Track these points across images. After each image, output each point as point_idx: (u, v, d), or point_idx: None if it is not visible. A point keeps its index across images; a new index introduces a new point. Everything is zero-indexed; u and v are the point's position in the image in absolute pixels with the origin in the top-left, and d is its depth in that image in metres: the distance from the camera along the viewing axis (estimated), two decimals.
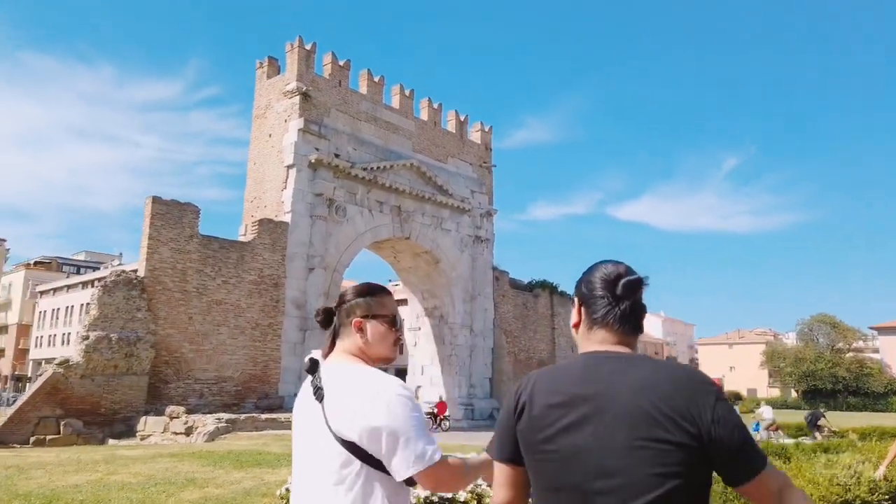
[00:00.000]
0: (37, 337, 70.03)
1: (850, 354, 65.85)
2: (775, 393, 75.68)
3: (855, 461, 6.60)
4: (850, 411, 56.52)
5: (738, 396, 60.07)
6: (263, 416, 18.92)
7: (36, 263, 77.16)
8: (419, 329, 32.81)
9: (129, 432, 18.93)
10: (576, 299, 1.75)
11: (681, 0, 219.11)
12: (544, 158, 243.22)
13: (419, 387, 31.82)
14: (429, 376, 31.75)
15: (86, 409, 18.77)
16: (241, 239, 24.19)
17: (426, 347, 32.24)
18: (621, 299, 1.64)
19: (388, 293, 2.06)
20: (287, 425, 19.08)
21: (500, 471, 1.67)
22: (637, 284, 1.64)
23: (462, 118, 33.61)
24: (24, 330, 72.84)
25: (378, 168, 27.97)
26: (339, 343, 1.97)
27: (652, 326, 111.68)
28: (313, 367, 1.93)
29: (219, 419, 17.67)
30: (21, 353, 72.69)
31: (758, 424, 22.40)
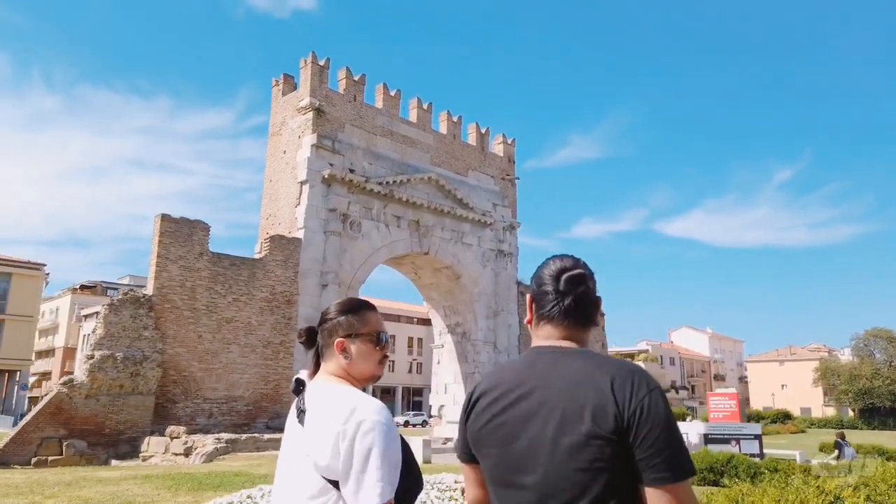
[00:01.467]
0: (79, 359, 71.75)
1: None
2: (830, 412, 71.82)
3: (842, 485, 5.57)
4: None
5: (787, 416, 56.93)
6: (266, 437, 18.37)
7: (82, 287, 79.23)
8: (442, 346, 32.02)
9: (134, 453, 18.63)
10: (528, 296, 1.73)
11: (728, 7, 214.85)
12: (589, 176, 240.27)
13: (442, 406, 30.96)
14: (452, 395, 30.84)
15: (90, 429, 18.54)
16: (254, 256, 23.88)
17: (449, 365, 31.39)
18: (565, 294, 1.61)
19: (372, 309, 1.99)
20: None
21: (464, 470, 1.70)
22: (579, 279, 1.61)
23: (483, 130, 32.98)
24: (69, 353, 74.70)
25: (394, 182, 27.49)
26: (323, 364, 1.92)
27: (699, 344, 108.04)
28: (298, 387, 1.89)
29: (218, 439, 17.19)
30: (67, 376, 74.41)
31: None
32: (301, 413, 1.81)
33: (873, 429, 56.82)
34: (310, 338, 1.96)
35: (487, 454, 1.56)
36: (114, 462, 17.99)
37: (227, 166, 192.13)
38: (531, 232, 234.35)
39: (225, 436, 17.76)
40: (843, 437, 17.95)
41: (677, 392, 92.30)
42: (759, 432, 16.20)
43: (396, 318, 67.60)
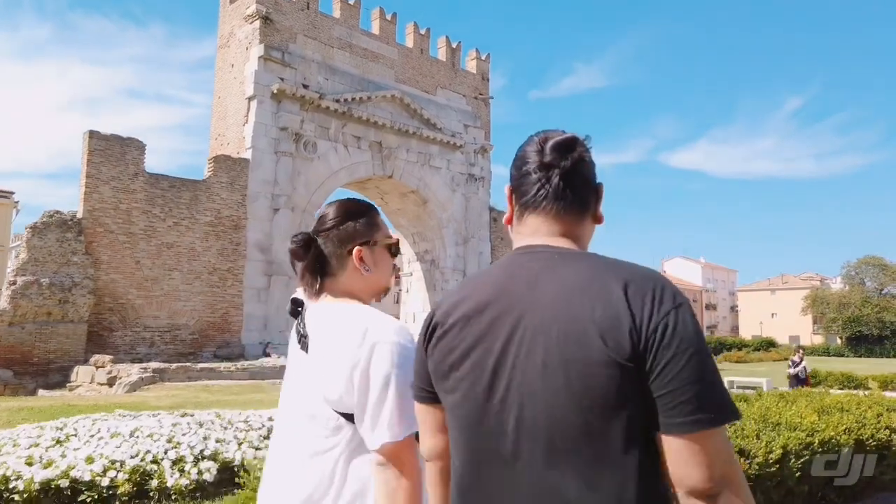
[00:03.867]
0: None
1: None
2: (819, 340, 71.84)
3: None
4: None
5: (771, 343, 56.67)
6: (199, 366, 17.41)
7: None
8: (411, 275, 30.94)
9: (66, 383, 17.72)
10: (507, 188, 1.27)
11: None
12: (594, 105, 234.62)
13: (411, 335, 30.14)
14: (420, 324, 29.96)
15: (16, 358, 17.58)
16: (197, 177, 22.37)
17: (417, 294, 30.39)
18: (551, 166, 1.17)
19: (378, 211, 1.70)
20: (225, 375, 17.59)
21: (421, 413, 1.29)
22: (570, 144, 1.18)
23: (454, 45, 30.76)
24: None
25: (353, 100, 25.64)
26: (329, 279, 1.60)
27: (692, 273, 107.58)
28: (297, 309, 1.62)
29: (144, 368, 16.22)
30: None
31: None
32: (303, 338, 1.56)
33: (860, 356, 56.73)
34: (307, 246, 1.59)
35: (453, 392, 1.16)
36: (41, 392, 17.10)
37: None
38: None
39: (153, 365, 16.80)
40: (799, 355, 17.26)
41: None
42: None
43: None
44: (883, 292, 63.61)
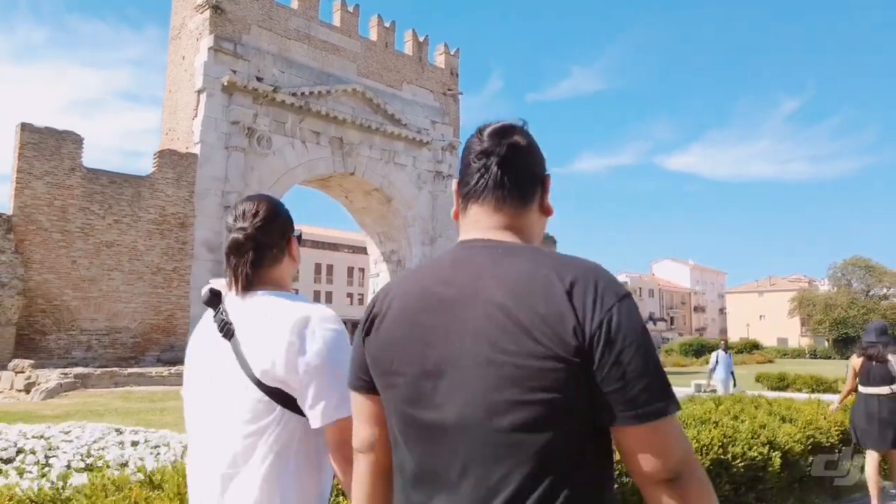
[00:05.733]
0: None
1: (887, 300, 60.88)
2: (807, 342, 71.14)
3: None
4: None
5: (755, 346, 55.84)
6: (126, 371, 16.42)
7: None
8: (378, 276, 30.02)
9: None
10: (454, 182, 1.27)
11: None
12: (591, 108, 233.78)
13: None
14: None
15: None
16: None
17: None
18: (489, 154, 1.17)
19: None
20: (157, 380, 16.63)
21: (356, 402, 1.27)
22: (505, 129, 1.18)
23: (421, 39, 29.86)
24: None
25: (312, 93, 24.71)
26: (262, 271, 1.59)
27: (681, 275, 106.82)
28: (214, 299, 1.60)
29: (65, 374, 15.24)
30: None
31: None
32: (226, 325, 1.53)
33: (846, 358, 56.02)
34: (252, 239, 1.59)
35: (392, 382, 1.14)
36: None
37: None
38: None
39: (75, 370, 15.81)
40: (725, 347, 16.41)
41: (655, 324, 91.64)
42: None
43: (334, 247, 64.78)
44: (870, 294, 63.04)
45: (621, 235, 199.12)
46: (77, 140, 19.65)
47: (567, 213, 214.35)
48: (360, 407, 1.26)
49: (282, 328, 1.47)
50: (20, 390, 15.28)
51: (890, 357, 6.15)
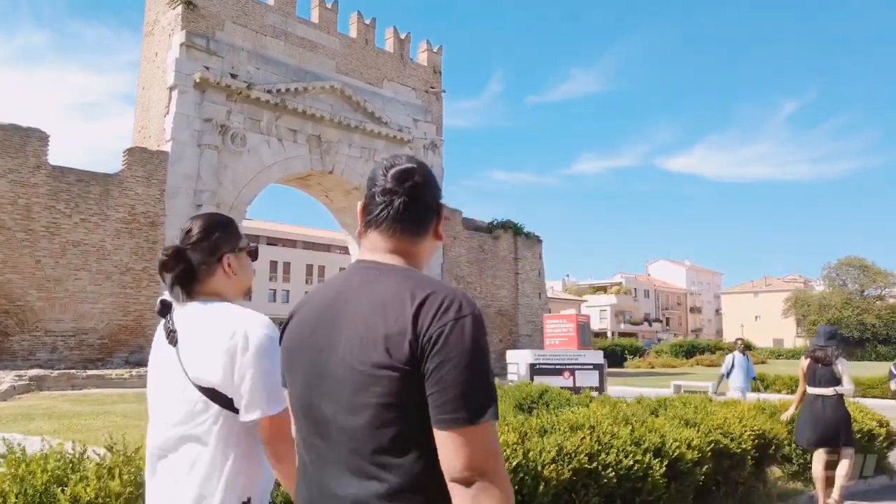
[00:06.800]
0: None
1: (882, 301, 60.46)
2: (802, 343, 70.69)
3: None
4: (881, 361, 51.67)
5: (747, 347, 55.33)
6: (85, 374, 16.04)
7: None
8: None
9: None
10: (359, 204, 1.46)
11: None
12: (591, 110, 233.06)
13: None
14: None
15: None
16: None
17: None
18: (393, 193, 1.35)
19: (235, 223, 1.97)
20: (117, 382, 16.24)
21: (288, 398, 1.50)
22: (408, 172, 1.37)
23: (403, 36, 29.49)
24: None
25: (288, 91, 24.33)
26: (198, 284, 1.80)
27: (676, 276, 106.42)
28: (165, 309, 1.79)
29: (19, 376, 14.85)
30: None
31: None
32: (171, 333, 1.73)
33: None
34: (178, 258, 1.80)
35: (292, 380, 1.38)
36: None
37: None
38: (532, 168, 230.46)
39: (30, 372, 15.42)
40: (742, 349, 14.45)
41: (650, 324, 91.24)
42: (601, 361, 13.78)
43: (293, 244, 64.02)
44: (864, 294, 62.62)
45: (618, 237, 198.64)
46: (43, 137, 19.27)
47: (565, 215, 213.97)
48: (289, 402, 1.46)
49: (215, 335, 1.65)
50: None
51: (837, 361, 5.98)
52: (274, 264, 61.20)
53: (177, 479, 1.65)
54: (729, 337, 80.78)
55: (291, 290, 59.94)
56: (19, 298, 18.54)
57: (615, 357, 41.77)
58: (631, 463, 3.34)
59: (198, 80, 22.00)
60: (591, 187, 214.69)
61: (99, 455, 4.74)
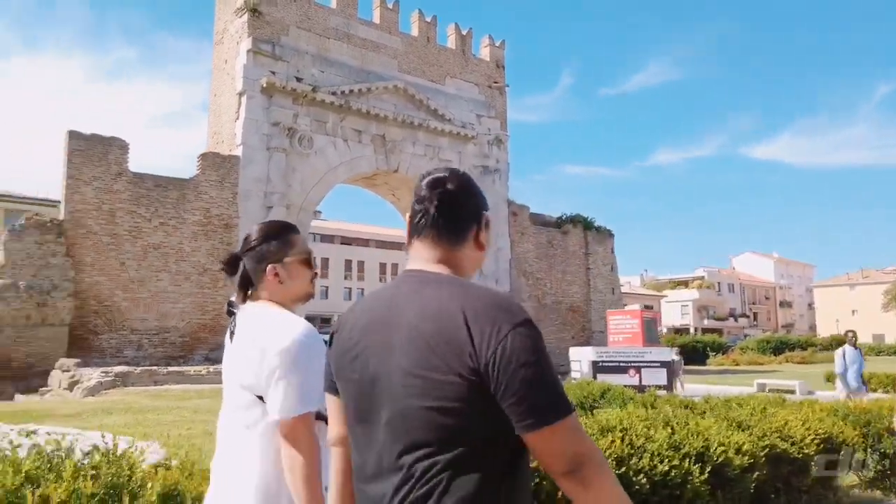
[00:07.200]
0: None
1: None
2: None
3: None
4: None
5: (840, 342, 51.85)
6: (166, 370, 16.77)
7: None
8: None
9: (44, 387, 17.46)
10: (407, 215, 1.51)
11: None
12: (666, 101, 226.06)
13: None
14: None
15: None
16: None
17: None
18: (427, 200, 1.42)
19: (296, 230, 2.03)
20: (195, 378, 16.92)
21: (329, 403, 1.53)
22: (439, 180, 1.43)
23: (464, 32, 29.35)
24: None
25: (352, 92, 24.67)
26: (253, 289, 1.95)
27: (764, 269, 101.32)
28: (231, 310, 1.95)
29: (105, 373, 15.69)
30: None
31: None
32: (232, 334, 1.89)
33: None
34: (233, 264, 1.96)
35: (346, 386, 1.41)
36: (17, 397, 16.91)
37: None
38: (606, 161, 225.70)
39: (116, 369, 16.27)
40: (854, 342, 11.53)
41: (736, 320, 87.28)
42: (669, 359, 13.01)
43: (365, 243, 64.39)
44: None
45: (698, 230, 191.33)
46: (123, 146, 20.32)
47: (642, 209, 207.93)
48: (330, 407, 1.50)
49: (254, 337, 1.78)
50: (66, 388, 15.86)
51: None
52: (349, 263, 62.44)
53: (230, 464, 1.80)
54: (823, 332, 76.17)
55: (366, 288, 60.97)
56: (107, 299, 19.62)
57: (696, 354, 40.13)
58: (667, 468, 3.05)
59: (265, 85, 22.61)
60: (670, 179, 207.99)
61: (138, 449, 4.80)
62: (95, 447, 2.45)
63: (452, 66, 28.63)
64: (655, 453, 3.13)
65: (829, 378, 20.53)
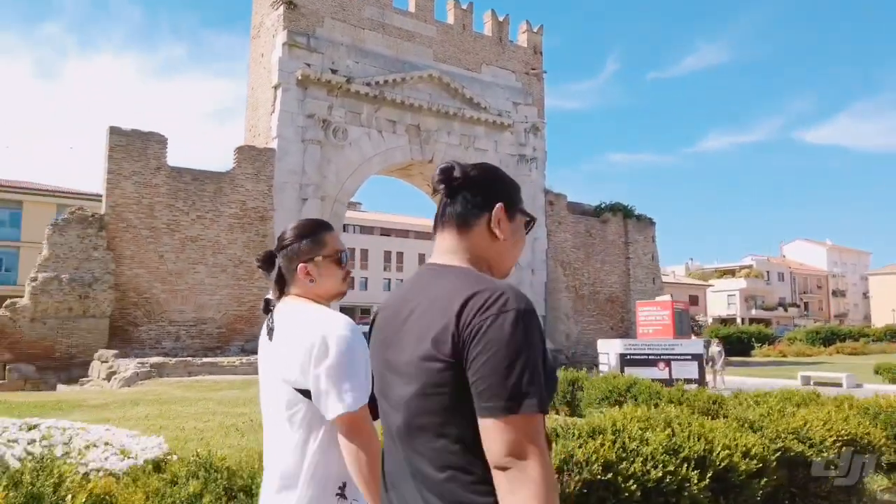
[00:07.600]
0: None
1: None
2: None
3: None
4: None
5: (893, 333, 49.61)
6: (200, 361, 17.03)
7: None
8: None
9: (85, 377, 17.99)
10: None
11: None
12: (717, 84, 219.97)
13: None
14: None
15: (38, 353, 18.04)
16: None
17: None
18: (437, 192, 1.48)
19: (329, 228, 2.04)
20: (228, 370, 17.14)
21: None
22: (444, 171, 1.46)
23: (501, 18, 28.87)
24: None
25: (386, 82, 24.56)
26: (288, 286, 1.97)
27: (816, 257, 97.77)
28: (268, 307, 1.98)
29: (142, 363, 16.02)
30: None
31: None
32: (270, 331, 1.90)
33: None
34: (269, 262, 2.00)
35: (375, 374, 1.53)
36: (59, 387, 17.45)
37: None
38: (652, 148, 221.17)
39: (151, 360, 16.59)
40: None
41: (786, 310, 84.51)
42: (700, 351, 12.43)
43: (405, 234, 64.18)
44: None
45: (747, 217, 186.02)
46: (161, 140, 20.67)
47: (688, 196, 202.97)
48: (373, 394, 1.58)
49: (296, 334, 1.78)
50: (104, 379, 16.27)
51: None
52: (388, 254, 62.68)
53: (271, 458, 1.84)
54: (878, 322, 73.14)
55: (405, 279, 61.10)
56: (146, 291, 20.05)
57: (741, 345, 38.95)
58: (660, 474, 2.79)
59: (300, 78, 22.69)
60: (718, 165, 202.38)
61: (139, 444, 4.75)
62: (30, 454, 2.34)
63: (488, 53, 28.24)
64: (649, 457, 2.88)
65: (879, 370, 19.61)
